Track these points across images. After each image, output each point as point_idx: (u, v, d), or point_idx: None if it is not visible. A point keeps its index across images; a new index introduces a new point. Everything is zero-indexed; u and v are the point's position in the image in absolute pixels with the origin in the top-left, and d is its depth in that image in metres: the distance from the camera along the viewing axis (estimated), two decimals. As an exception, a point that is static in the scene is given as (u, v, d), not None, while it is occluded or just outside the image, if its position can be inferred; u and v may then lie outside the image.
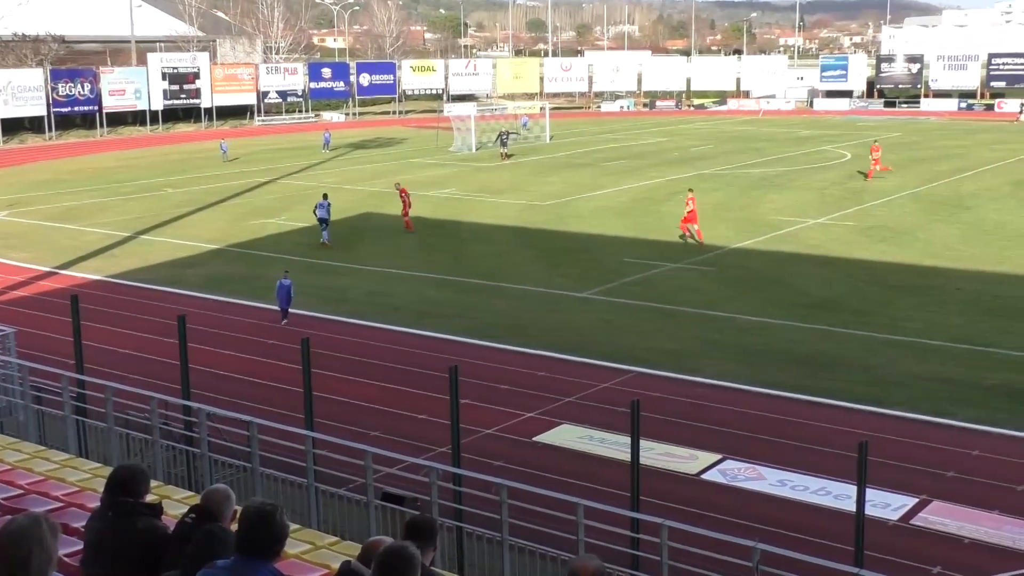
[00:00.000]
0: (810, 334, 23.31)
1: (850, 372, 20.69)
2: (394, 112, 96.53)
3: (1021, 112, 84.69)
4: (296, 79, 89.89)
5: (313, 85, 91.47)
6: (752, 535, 11.69)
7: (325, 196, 35.34)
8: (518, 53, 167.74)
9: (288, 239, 35.44)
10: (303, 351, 13.73)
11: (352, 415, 18.18)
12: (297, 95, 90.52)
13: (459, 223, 38.25)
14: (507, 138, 61.49)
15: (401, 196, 37.08)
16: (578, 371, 20.95)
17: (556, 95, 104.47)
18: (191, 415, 14.41)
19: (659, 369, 20.90)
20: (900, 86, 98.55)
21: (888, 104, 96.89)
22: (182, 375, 15.02)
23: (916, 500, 14.84)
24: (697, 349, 22.42)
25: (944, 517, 14.41)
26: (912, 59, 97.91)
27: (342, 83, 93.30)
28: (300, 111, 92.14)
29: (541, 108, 75.20)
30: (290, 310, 24.82)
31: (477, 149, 63.46)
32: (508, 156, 59.21)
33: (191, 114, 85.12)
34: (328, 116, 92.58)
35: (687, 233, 33.79)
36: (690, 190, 35.40)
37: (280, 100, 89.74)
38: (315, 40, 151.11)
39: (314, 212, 34.75)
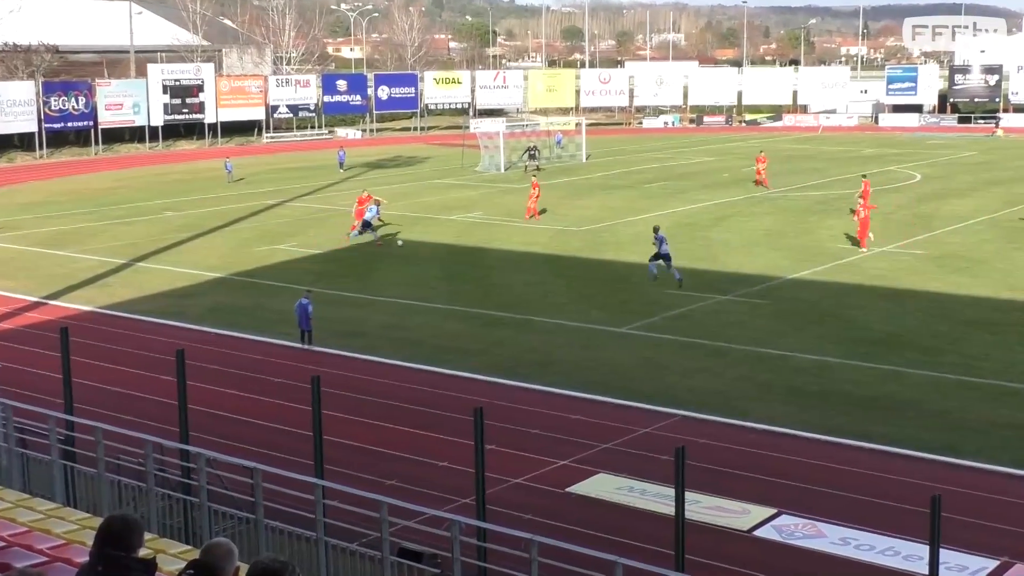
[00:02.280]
0: (874, 375, 23.14)
1: (919, 417, 20.50)
2: (415, 128, 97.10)
3: (998, 124, 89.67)
4: (308, 92, 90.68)
5: (327, 99, 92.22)
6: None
7: (377, 203, 40.99)
8: (552, 64, 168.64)
9: (298, 267, 35.65)
10: (313, 390, 13.76)
11: (366, 462, 18.19)
12: (309, 110, 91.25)
13: (485, 250, 38.36)
14: (536, 152, 63.93)
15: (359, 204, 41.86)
16: (616, 414, 20.88)
17: (593, 110, 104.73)
18: (189, 461, 14.45)
19: (706, 412, 20.81)
20: (976, 100, 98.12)
21: (963, 120, 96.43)
22: (180, 416, 15.09)
23: (997, 563, 14.64)
24: (748, 391, 22.30)
25: (1027, 581, 14.20)
26: (990, 70, 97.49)
27: (359, 96, 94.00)
28: (312, 127, 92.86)
29: (577, 124, 75.40)
30: (312, 333, 25.57)
31: (506, 169, 63.68)
32: (538, 170, 60.38)
33: (194, 130, 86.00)
34: (343, 133, 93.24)
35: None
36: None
37: (291, 115, 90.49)
38: (330, 50, 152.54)
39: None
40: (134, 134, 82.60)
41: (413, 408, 21.20)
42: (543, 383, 22.83)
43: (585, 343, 26.03)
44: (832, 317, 28.27)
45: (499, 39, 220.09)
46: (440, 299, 30.75)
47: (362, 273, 34.64)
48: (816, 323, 27.67)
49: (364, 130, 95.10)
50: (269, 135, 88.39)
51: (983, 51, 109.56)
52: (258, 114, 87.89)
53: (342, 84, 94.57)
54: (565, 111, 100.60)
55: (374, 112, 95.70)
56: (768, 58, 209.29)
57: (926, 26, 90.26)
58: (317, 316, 25.87)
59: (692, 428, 19.91)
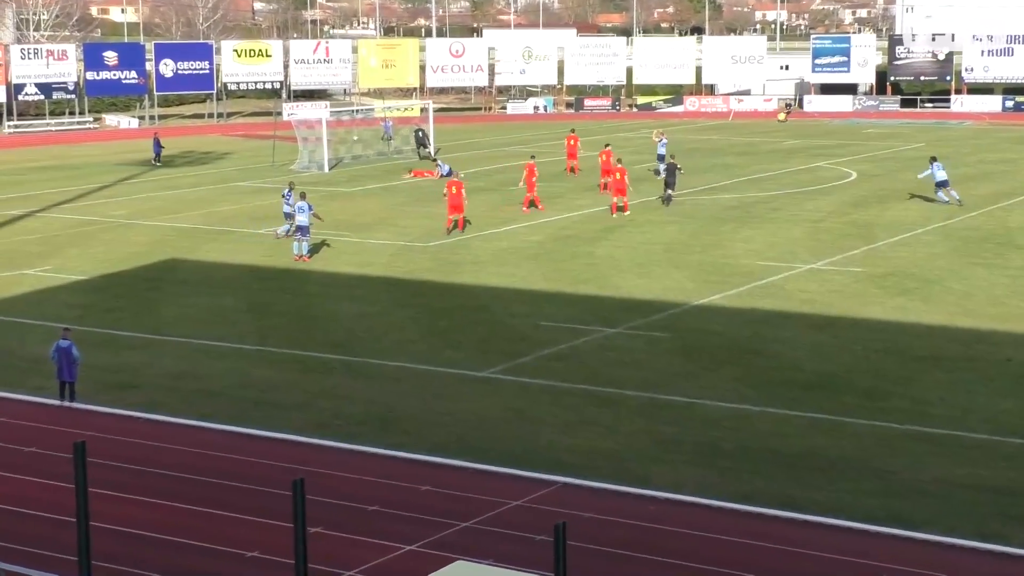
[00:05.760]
0: (803, 426, 23.62)
1: (859, 478, 20.97)
2: (211, 115, 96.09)
3: (788, 110, 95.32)
4: (66, 67, 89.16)
5: (91, 75, 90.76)
6: None
7: (298, 192, 41.27)
8: (389, 32, 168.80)
9: (54, 297, 34.94)
10: (76, 461, 13.48)
11: (148, 554, 17.85)
12: (68, 90, 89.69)
13: (306, 273, 38.10)
14: (424, 135, 67.83)
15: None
16: (478, 483, 20.88)
17: (443, 91, 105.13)
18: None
19: (593, 479, 20.93)
20: (923, 78, 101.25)
21: (906, 103, 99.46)
22: None
23: (955, 658, 15.04)
24: (647, 449, 22.54)
25: None
26: (939, 41, 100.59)
27: (134, 73, 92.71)
28: (72, 112, 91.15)
29: (422, 109, 75.57)
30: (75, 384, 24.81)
31: (332, 168, 63.36)
32: (432, 158, 64.78)
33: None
34: (113, 121, 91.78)
35: None
36: None
37: (42, 97, 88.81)
38: (94, 11, 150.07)
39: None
40: None
41: (211, 482, 20.87)
42: (383, 445, 22.69)
43: (437, 392, 25.99)
44: (750, 354, 28.76)
45: (320, 0, 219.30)
46: (246, 338, 30.41)
47: (141, 306, 34.05)
48: (730, 362, 28.10)
49: (142, 117, 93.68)
50: (12, 123, 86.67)
51: (929, 16, 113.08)
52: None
53: (111, 56, 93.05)
54: (407, 92, 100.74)
55: (155, 93, 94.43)
56: (664, 25, 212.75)
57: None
58: (82, 363, 25.33)
59: (576, 499, 20.01)
